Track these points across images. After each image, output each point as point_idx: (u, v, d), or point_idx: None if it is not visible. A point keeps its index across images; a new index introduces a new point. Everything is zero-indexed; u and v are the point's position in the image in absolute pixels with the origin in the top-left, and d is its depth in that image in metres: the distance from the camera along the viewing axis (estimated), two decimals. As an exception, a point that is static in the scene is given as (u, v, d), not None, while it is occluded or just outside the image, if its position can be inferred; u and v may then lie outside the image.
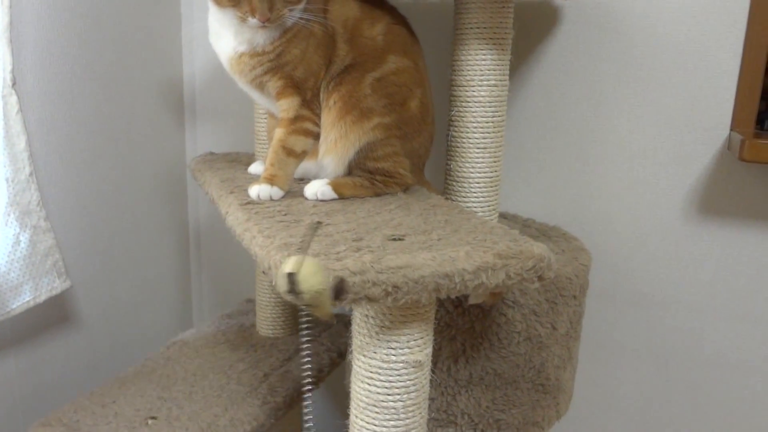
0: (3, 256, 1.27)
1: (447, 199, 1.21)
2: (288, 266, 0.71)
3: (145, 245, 1.72)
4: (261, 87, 1.10)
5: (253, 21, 1.00)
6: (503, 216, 1.45)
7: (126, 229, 1.64)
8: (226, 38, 1.08)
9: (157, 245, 1.77)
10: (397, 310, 0.84)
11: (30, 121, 1.33)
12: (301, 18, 1.03)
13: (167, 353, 1.42)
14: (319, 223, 0.78)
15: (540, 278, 0.84)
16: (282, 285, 0.72)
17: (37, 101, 1.36)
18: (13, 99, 1.26)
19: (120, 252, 1.63)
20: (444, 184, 1.27)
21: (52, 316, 1.46)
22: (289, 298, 0.72)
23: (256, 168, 1.28)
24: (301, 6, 1.03)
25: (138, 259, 1.70)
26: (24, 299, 1.30)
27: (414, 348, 0.87)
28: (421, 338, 0.88)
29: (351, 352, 1.25)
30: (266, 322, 1.51)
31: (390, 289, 0.75)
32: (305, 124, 1.09)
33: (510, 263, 0.82)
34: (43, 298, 1.33)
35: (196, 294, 1.95)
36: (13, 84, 1.26)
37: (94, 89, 1.49)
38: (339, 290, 0.71)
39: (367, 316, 0.86)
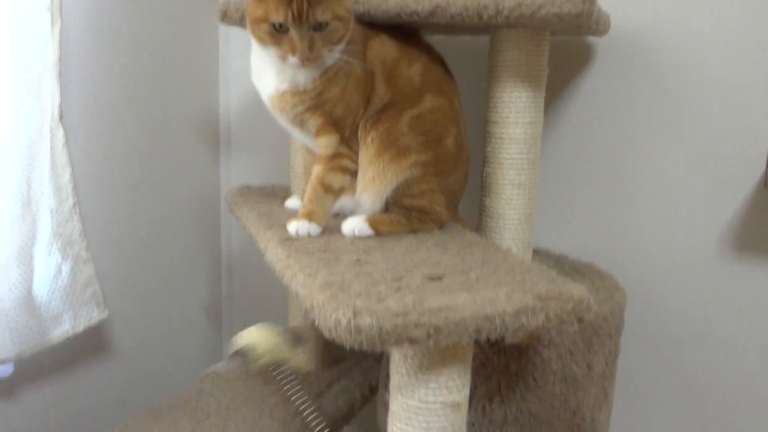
0: (45, 285, 1.30)
1: (482, 236, 1.21)
2: (242, 341, 0.72)
3: (180, 276, 1.75)
4: (301, 124, 1.12)
5: (293, 60, 1.03)
6: (536, 252, 1.45)
7: (161, 259, 1.67)
8: (268, 76, 1.10)
9: (190, 276, 1.80)
10: (437, 350, 0.85)
11: (74, 153, 1.37)
12: (341, 58, 1.06)
13: (200, 385, 1.43)
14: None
15: (580, 320, 0.84)
16: (244, 359, 0.72)
17: (81, 134, 1.40)
18: (60, 132, 1.30)
19: (155, 282, 1.66)
20: (479, 220, 1.27)
21: (89, 346, 1.48)
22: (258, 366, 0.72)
23: (293, 203, 1.29)
24: (341, 46, 1.05)
25: (172, 290, 1.72)
26: (64, 329, 1.33)
27: (452, 389, 0.87)
28: (459, 379, 0.88)
29: (384, 389, 1.25)
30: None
31: (431, 331, 0.76)
32: (343, 162, 1.11)
33: (550, 305, 0.82)
34: (81, 327, 1.36)
35: (227, 325, 1.97)
36: (61, 118, 1.30)
37: (134, 122, 1.53)
38: (299, 336, 0.72)
39: (405, 356, 0.86)
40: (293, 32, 1.01)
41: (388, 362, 1.25)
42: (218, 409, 1.33)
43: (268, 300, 1.90)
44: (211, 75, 1.79)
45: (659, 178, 1.39)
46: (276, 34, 1.02)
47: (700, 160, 1.35)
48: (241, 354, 0.72)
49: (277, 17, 1.00)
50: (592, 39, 1.40)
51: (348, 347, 0.76)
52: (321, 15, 1.01)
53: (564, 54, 1.42)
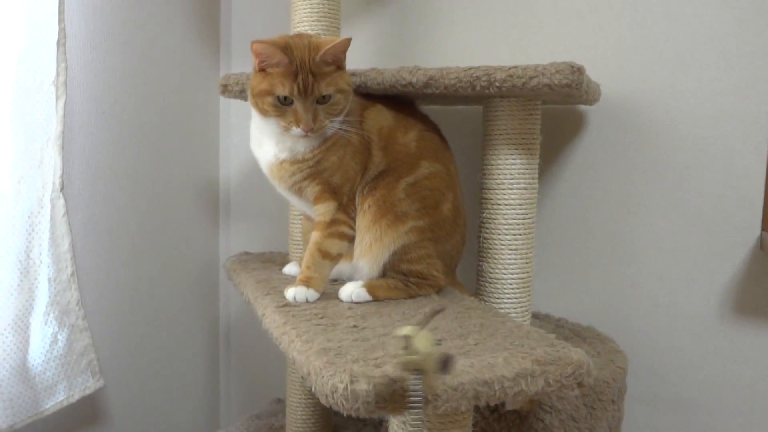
0: (40, 355, 1.29)
1: (479, 300, 1.21)
2: (405, 331, 0.72)
3: (177, 343, 1.73)
4: (300, 192, 1.14)
5: (297, 131, 1.05)
6: (535, 316, 1.44)
7: (159, 327, 1.66)
8: (267, 146, 1.13)
9: (188, 344, 1.78)
10: (435, 417, 0.84)
11: (74, 222, 1.38)
12: (340, 128, 1.08)
13: (196, 456, 1.39)
14: (441, 309, 0.79)
15: (579, 385, 0.83)
16: (396, 345, 0.72)
17: (81, 204, 1.41)
18: (61, 202, 1.32)
19: (152, 351, 1.64)
20: (476, 285, 1.28)
21: (83, 416, 1.45)
22: (398, 361, 0.72)
23: (290, 269, 1.30)
24: (340, 117, 1.08)
25: (169, 358, 1.71)
26: (58, 399, 1.31)
27: (451, 455, 0.85)
28: (459, 446, 0.86)
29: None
30: (296, 424, 1.48)
31: (430, 397, 0.75)
32: (341, 228, 1.12)
33: (549, 370, 0.81)
34: (76, 397, 1.34)
35: (225, 393, 1.94)
36: (62, 188, 1.32)
37: (134, 192, 1.55)
38: (446, 363, 0.71)
39: (404, 422, 0.85)
40: (298, 105, 1.04)
41: (387, 429, 1.22)
42: (214, 482, 1.29)
43: (266, 368, 1.87)
44: (212, 145, 1.83)
45: (656, 241, 1.40)
46: (280, 106, 1.05)
47: (697, 222, 1.36)
48: (407, 341, 0.73)
49: (283, 91, 1.04)
50: (584, 107, 1.44)
51: (345, 414, 0.75)
52: (325, 89, 1.04)
53: (557, 121, 1.45)
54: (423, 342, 0.72)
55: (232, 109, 1.84)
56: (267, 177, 1.17)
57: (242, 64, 1.78)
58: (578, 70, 1.07)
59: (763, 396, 1.34)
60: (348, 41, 1.07)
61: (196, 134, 1.76)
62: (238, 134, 1.84)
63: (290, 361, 1.49)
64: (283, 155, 1.11)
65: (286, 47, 1.04)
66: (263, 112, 1.08)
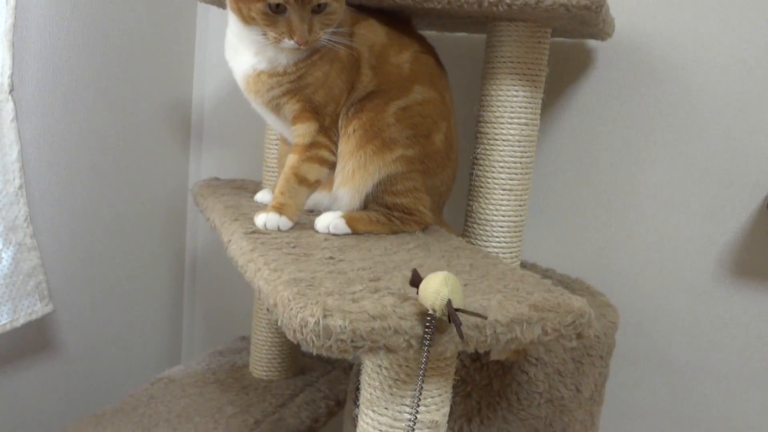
0: (-18, 273, 1.17)
1: (467, 242, 1.12)
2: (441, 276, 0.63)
3: (137, 272, 1.62)
4: (277, 109, 1.02)
5: (289, 43, 0.93)
6: (523, 265, 1.35)
7: (118, 253, 1.55)
8: (244, 55, 1.00)
9: (149, 273, 1.67)
10: (415, 362, 0.74)
11: (25, 131, 1.25)
12: (329, 40, 0.96)
13: (151, 390, 1.30)
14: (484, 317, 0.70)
15: (579, 336, 0.75)
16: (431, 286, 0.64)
17: (35, 110, 1.28)
18: (9, 106, 1.18)
19: (109, 277, 1.53)
20: (464, 226, 1.18)
21: (29, 342, 1.35)
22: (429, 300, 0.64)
23: (263, 196, 1.19)
24: (331, 28, 0.96)
25: (128, 286, 1.60)
26: (0, 321, 1.20)
27: (431, 406, 0.76)
28: (439, 396, 0.77)
29: (352, 402, 1.14)
30: (261, 363, 1.40)
31: (412, 340, 0.66)
32: (321, 152, 1.01)
33: (547, 317, 0.72)
34: (21, 321, 1.23)
35: (187, 327, 1.84)
36: (11, 90, 1.18)
37: (97, 102, 1.41)
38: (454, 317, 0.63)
39: (380, 366, 0.76)
40: (293, 14, 0.91)
41: (357, 373, 1.14)
42: (168, 417, 1.21)
43: (232, 304, 1.78)
44: (186, 58, 1.68)
45: (657, 194, 1.31)
46: (271, 15, 0.92)
47: (702, 176, 1.28)
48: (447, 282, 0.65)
49: None
50: (593, 43, 1.33)
51: (315, 353, 0.66)
52: None
53: (563, 57, 1.34)
54: (455, 286, 0.64)
55: (210, 19, 1.68)
56: (241, 90, 1.04)
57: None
58: (599, -9, 0.96)
59: (752, 361, 1.28)
60: None
61: (169, 44, 1.61)
62: (216, 49, 1.69)
63: (256, 294, 1.40)
64: (262, 66, 0.99)
65: None
66: (247, 20, 0.95)
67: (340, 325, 0.63)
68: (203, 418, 1.21)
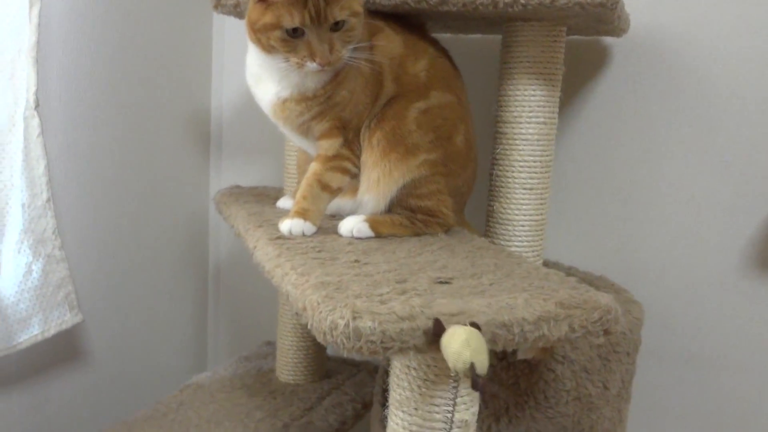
0: (13, 285, 1.20)
1: (489, 242, 1.12)
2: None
3: (163, 280, 1.64)
4: (306, 132, 1.03)
5: (312, 66, 0.92)
6: (545, 263, 1.36)
7: (144, 262, 1.57)
8: (267, 83, 1.00)
9: (174, 281, 1.69)
10: (444, 362, 0.75)
11: (51, 145, 1.27)
12: (352, 57, 0.96)
13: (180, 397, 1.32)
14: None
15: (606, 332, 0.75)
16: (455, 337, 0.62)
17: (59, 125, 1.30)
18: (35, 122, 1.20)
19: (135, 286, 1.55)
20: (485, 225, 1.19)
21: (60, 352, 1.37)
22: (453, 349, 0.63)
23: (284, 203, 1.20)
24: (353, 44, 0.96)
25: (154, 295, 1.62)
26: (32, 332, 1.23)
27: (460, 405, 0.77)
28: (468, 395, 0.78)
29: (379, 405, 1.15)
30: (287, 368, 1.41)
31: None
32: (344, 163, 1.02)
33: (574, 314, 0.73)
34: (52, 332, 1.25)
35: (213, 334, 1.86)
36: (36, 106, 1.20)
37: (119, 116, 1.44)
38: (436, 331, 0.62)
39: (408, 367, 0.77)
40: (311, 35, 0.91)
41: (384, 376, 1.15)
42: (198, 422, 1.22)
43: (257, 309, 1.79)
44: (204, 69, 1.70)
45: (679, 189, 1.30)
46: (290, 40, 0.91)
47: (723, 171, 1.27)
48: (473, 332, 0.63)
49: (292, 22, 0.89)
50: (608, 40, 1.33)
51: (345, 354, 0.67)
52: (339, 13, 0.91)
53: (579, 55, 1.34)
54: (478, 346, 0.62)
55: (227, 30, 1.70)
56: (267, 116, 1.05)
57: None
58: (614, -12, 0.96)
59: (780, 354, 1.27)
60: None
61: (186, 56, 1.63)
62: (232, 59, 1.71)
63: (282, 299, 1.42)
64: (286, 93, 0.99)
65: None
66: (268, 49, 0.94)
67: (370, 327, 0.64)
68: (232, 423, 1.23)
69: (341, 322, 0.65)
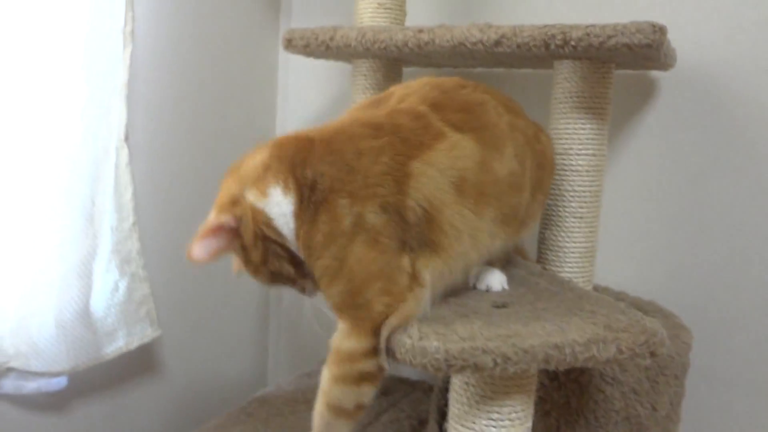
0: (102, 301, 1.31)
1: (542, 268, 1.19)
2: None
3: (228, 299, 1.75)
4: None
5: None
6: (595, 289, 1.41)
7: (213, 281, 1.68)
8: None
9: (238, 300, 1.80)
10: (500, 380, 0.82)
11: (136, 173, 1.39)
12: None
13: (248, 409, 1.41)
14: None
15: (652, 354, 0.81)
16: None
17: (144, 155, 1.42)
18: (125, 152, 1.33)
19: (205, 304, 1.66)
20: (538, 253, 1.25)
21: (140, 364, 1.48)
22: None
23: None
24: None
25: (221, 313, 1.73)
26: (117, 345, 1.34)
27: (515, 421, 0.84)
28: (522, 411, 0.85)
29: (435, 422, 1.21)
30: (346, 384, 1.49)
31: (499, 359, 0.73)
32: None
33: (621, 337, 0.79)
34: (135, 345, 1.36)
35: (273, 351, 1.96)
36: (126, 138, 1.33)
37: (194, 147, 1.56)
38: None
39: (467, 384, 0.84)
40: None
41: (439, 394, 1.22)
42: (265, 434, 1.31)
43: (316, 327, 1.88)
44: (269, 102, 1.82)
45: (727, 217, 1.34)
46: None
47: (770, 199, 1.30)
48: None
49: None
50: (655, 73, 1.38)
51: (413, 367, 0.74)
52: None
53: (627, 88, 1.39)
54: None
55: (291, 64, 1.82)
56: None
57: (302, 19, 1.76)
58: (660, 30, 1.02)
59: (832, 382, 1.29)
60: None
61: (253, 90, 1.75)
62: (295, 91, 1.82)
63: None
64: None
65: None
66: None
67: (435, 346, 0.72)
68: (297, 435, 1.31)
69: (408, 342, 0.73)
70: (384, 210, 0.75)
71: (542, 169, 1.03)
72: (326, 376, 0.81)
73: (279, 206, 0.78)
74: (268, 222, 0.79)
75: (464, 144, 0.83)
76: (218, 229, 0.81)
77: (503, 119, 0.93)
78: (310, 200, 0.76)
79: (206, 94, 1.58)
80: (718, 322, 1.36)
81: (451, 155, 0.81)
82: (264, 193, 0.79)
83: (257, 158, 0.83)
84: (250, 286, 1.83)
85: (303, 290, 0.85)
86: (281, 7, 1.81)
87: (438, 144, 0.81)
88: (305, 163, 0.77)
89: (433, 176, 0.79)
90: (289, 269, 0.82)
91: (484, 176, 0.84)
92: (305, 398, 1.47)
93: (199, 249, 0.81)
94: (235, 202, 0.81)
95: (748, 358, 1.35)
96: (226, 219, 0.80)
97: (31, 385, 1.23)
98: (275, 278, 0.84)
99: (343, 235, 0.75)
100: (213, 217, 0.83)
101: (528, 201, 0.94)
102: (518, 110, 1.02)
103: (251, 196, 0.80)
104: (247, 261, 0.83)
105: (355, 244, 0.75)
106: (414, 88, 0.93)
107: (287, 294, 1.92)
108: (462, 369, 0.73)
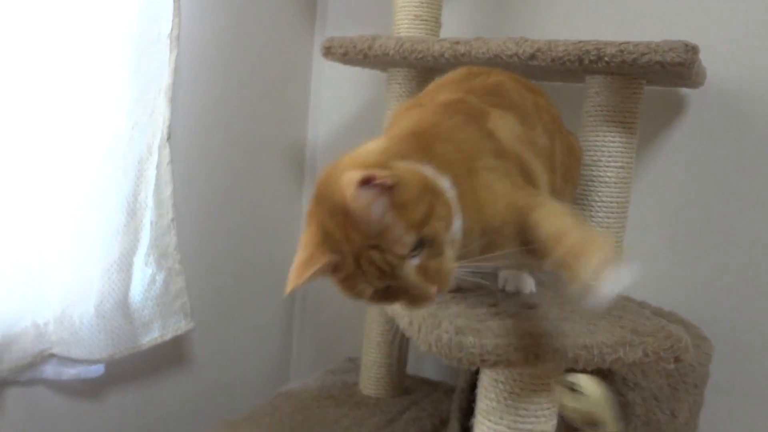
0: (140, 293, 1.37)
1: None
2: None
3: (256, 296, 1.80)
4: None
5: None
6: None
7: (243, 278, 1.73)
8: None
9: (267, 298, 1.85)
10: (529, 377, 0.86)
11: (176, 172, 1.45)
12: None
13: (275, 402, 1.46)
14: None
15: (677, 359, 0.84)
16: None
17: (184, 155, 1.48)
18: (167, 151, 1.38)
19: (236, 299, 1.72)
20: (563, 259, 1.28)
21: (173, 354, 1.54)
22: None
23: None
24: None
25: (250, 308, 1.78)
26: (153, 336, 1.39)
27: (541, 418, 0.87)
28: (548, 409, 0.88)
29: (456, 422, 1.25)
30: (370, 382, 1.53)
31: (531, 356, 0.77)
32: None
33: (647, 341, 0.82)
34: (169, 336, 1.41)
35: (296, 348, 2.01)
36: (168, 138, 1.38)
37: (230, 148, 1.62)
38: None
39: (496, 380, 0.88)
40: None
41: (461, 394, 1.25)
42: (292, 426, 1.35)
43: (339, 327, 1.92)
44: (302, 107, 1.88)
45: (752, 233, 1.37)
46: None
47: (794, 216, 1.33)
48: (568, 386, 0.74)
49: None
50: (684, 90, 1.41)
51: (447, 363, 0.78)
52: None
53: (656, 103, 1.43)
54: (596, 392, 0.72)
55: (324, 70, 1.87)
56: None
57: (336, 28, 1.81)
58: (692, 49, 1.06)
59: None
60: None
61: (288, 95, 1.81)
62: (328, 97, 1.87)
63: (368, 317, 1.54)
64: None
65: None
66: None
67: (471, 341, 0.76)
68: (323, 428, 1.35)
69: (445, 336, 0.77)
70: (496, 156, 0.83)
71: (571, 155, 1.07)
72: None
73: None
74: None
75: (508, 116, 0.90)
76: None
77: (527, 99, 0.98)
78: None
79: (244, 98, 1.64)
80: (739, 335, 1.39)
81: (505, 122, 0.88)
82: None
83: (373, 147, 0.81)
84: (277, 284, 1.88)
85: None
86: (317, 16, 1.86)
87: (492, 115, 0.88)
88: (428, 150, 0.78)
89: (506, 133, 0.86)
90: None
91: (533, 144, 0.91)
92: (329, 394, 1.51)
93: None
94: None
95: (766, 371, 1.37)
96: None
97: (71, 372, 1.29)
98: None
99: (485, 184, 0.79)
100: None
101: (561, 186, 0.98)
102: (539, 90, 1.06)
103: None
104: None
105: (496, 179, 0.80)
106: (443, 84, 1.00)
107: (312, 293, 1.97)
108: (495, 364, 0.77)
